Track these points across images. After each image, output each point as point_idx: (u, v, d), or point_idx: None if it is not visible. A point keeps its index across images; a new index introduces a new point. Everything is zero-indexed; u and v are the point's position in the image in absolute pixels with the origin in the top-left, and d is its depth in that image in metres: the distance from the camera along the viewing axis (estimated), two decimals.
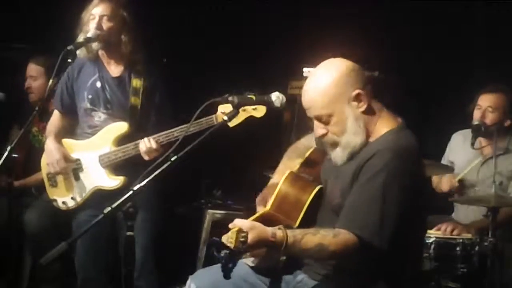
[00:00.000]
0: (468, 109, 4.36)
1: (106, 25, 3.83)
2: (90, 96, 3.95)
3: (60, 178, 4.06)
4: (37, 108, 3.48)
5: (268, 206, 2.85)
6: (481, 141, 4.33)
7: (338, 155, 2.74)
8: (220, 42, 5.31)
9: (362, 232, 2.57)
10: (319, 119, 2.72)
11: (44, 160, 4.13)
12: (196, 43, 5.33)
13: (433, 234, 3.97)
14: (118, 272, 3.79)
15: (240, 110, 2.91)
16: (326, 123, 2.71)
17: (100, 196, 3.88)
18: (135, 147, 3.83)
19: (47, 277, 4.63)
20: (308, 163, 3.02)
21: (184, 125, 3.66)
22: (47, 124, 4.19)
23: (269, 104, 2.82)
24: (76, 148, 4.03)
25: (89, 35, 3.80)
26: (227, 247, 2.43)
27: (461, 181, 4.36)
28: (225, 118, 2.77)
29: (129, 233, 2.54)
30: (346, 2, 5.02)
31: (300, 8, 5.01)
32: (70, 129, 4.11)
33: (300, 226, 2.75)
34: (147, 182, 2.58)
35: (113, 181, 3.90)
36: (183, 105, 3.85)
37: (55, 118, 4.14)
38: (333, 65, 2.73)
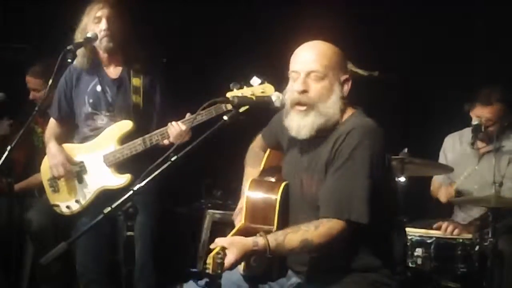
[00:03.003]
0: (464, 109, 4.36)
1: (113, 26, 3.85)
2: (91, 101, 3.95)
3: (62, 183, 4.04)
4: (36, 109, 3.49)
5: (242, 220, 2.85)
6: (478, 142, 4.33)
7: (307, 123, 2.74)
8: (220, 41, 5.31)
9: (350, 214, 2.59)
10: (308, 74, 2.74)
11: (44, 165, 4.11)
12: (196, 43, 5.33)
13: (433, 234, 3.98)
14: (118, 272, 3.81)
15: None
16: (314, 81, 2.74)
17: (105, 198, 3.84)
18: (143, 143, 3.82)
19: (47, 277, 4.64)
20: (268, 167, 3.06)
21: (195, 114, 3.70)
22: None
23: (269, 104, 2.82)
24: (78, 151, 4.02)
25: (89, 35, 3.80)
26: (206, 274, 2.42)
27: (458, 192, 4.36)
28: (225, 118, 2.77)
29: (129, 233, 2.54)
30: (346, 2, 5.02)
31: (300, 8, 5.00)
32: (67, 136, 4.10)
33: (279, 227, 2.75)
34: (147, 182, 2.58)
35: (120, 179, 3.88)
36: (183, 105, 3.86)
37: (52, 125, 4.14)
38: (335, 47, 2.84)
